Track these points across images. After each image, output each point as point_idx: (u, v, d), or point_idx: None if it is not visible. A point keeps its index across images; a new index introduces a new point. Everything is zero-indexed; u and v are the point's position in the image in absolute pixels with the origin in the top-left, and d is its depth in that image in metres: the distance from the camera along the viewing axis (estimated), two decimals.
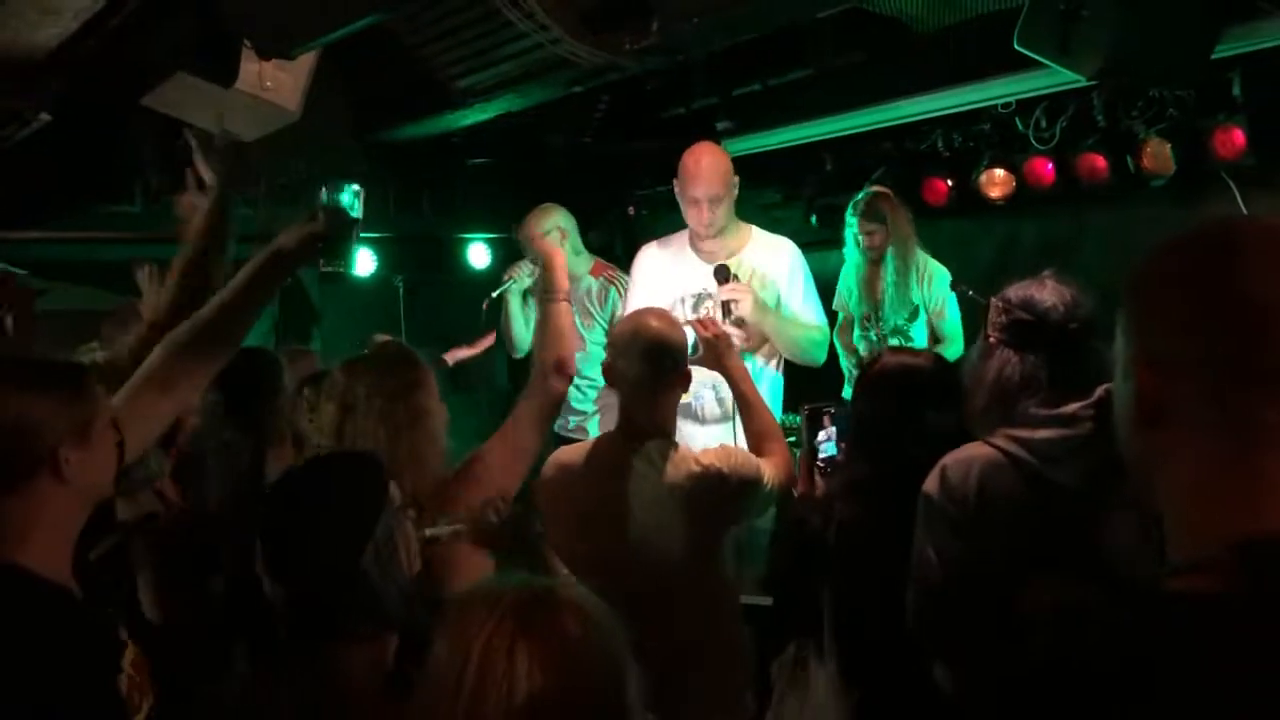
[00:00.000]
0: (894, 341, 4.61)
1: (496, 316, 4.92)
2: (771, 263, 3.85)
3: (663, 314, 2.77)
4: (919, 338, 4.63)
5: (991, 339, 2.16)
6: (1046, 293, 2.10)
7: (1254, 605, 0.83)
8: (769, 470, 2.71)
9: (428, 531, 2.09)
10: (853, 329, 4.84)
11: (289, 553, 1.72)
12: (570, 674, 1.12)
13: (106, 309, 6.36)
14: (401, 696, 1.58)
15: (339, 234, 2.10)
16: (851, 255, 4.78)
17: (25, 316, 3.60)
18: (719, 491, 2.60)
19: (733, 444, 3.01)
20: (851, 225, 4.69)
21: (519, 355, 4.95)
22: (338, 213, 2.11)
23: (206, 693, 1.98)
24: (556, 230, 4.69)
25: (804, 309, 3.84)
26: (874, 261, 4.67)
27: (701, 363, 2.95)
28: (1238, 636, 0.82)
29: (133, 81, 2.98)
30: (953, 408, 2.36)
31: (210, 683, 2.03)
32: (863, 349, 4.74)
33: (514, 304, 4.84)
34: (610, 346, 2.72)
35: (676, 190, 3.93)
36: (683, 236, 4.02)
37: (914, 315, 4.61)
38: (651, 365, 2.61)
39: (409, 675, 1.79)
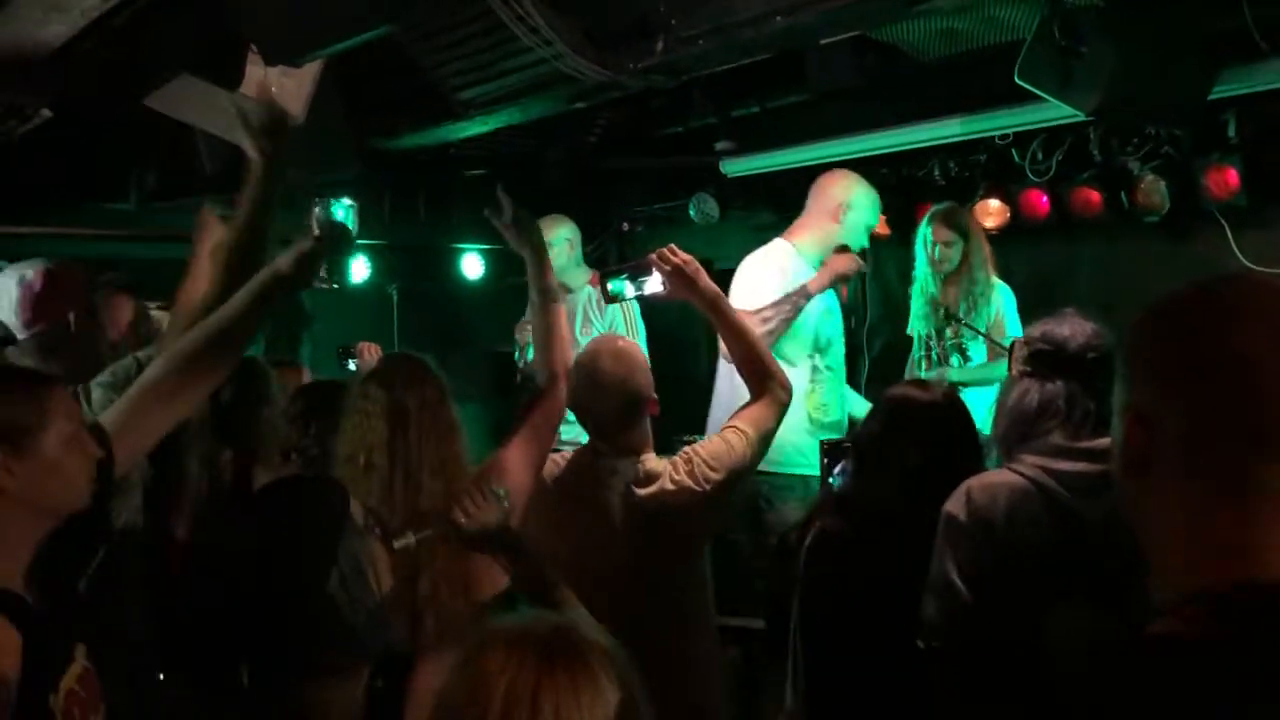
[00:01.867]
0: (955, 360, 4.48)
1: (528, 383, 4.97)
2: None
3: (616, 351, 2.66)
4: (977, 356, 4.50)
5: (1014, 372, 2.23)
6: (1065, 326, 2.18)
7: (1225, 650, 0.85)
8: (751, 432, 2.66)
9: (396, 543, 2.08)
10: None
11: (249, 585, 1.68)
12: (593, 717, 1.12)
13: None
14: None
15: (337, 251, 2.08)
16: (922, 272, 4.56)
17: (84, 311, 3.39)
18: (695, 504, 2.58)
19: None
20: (926, 236, 4.49)
21: None
22: (334, 229, 2.09)
23: None
24: (566, 241, 4.87)
25: None
26: (944, 278, 4.48)
27: (672, 296, 2.80)
28: (1208, 680, 0.84)
29: (136, 81, 2.97)
30: (939, 434, 2.41)
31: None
32: (921, 370, 4.55)
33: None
34: (570, 389, 2.61)
35: (857, 216, 4.13)
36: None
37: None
38: (615, 406, 2.59)
39: (388, 707, 1.77)
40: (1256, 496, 0.91)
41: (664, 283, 2.77)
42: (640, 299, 2.92)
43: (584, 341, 4.74)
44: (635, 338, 4.73)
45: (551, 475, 2.68)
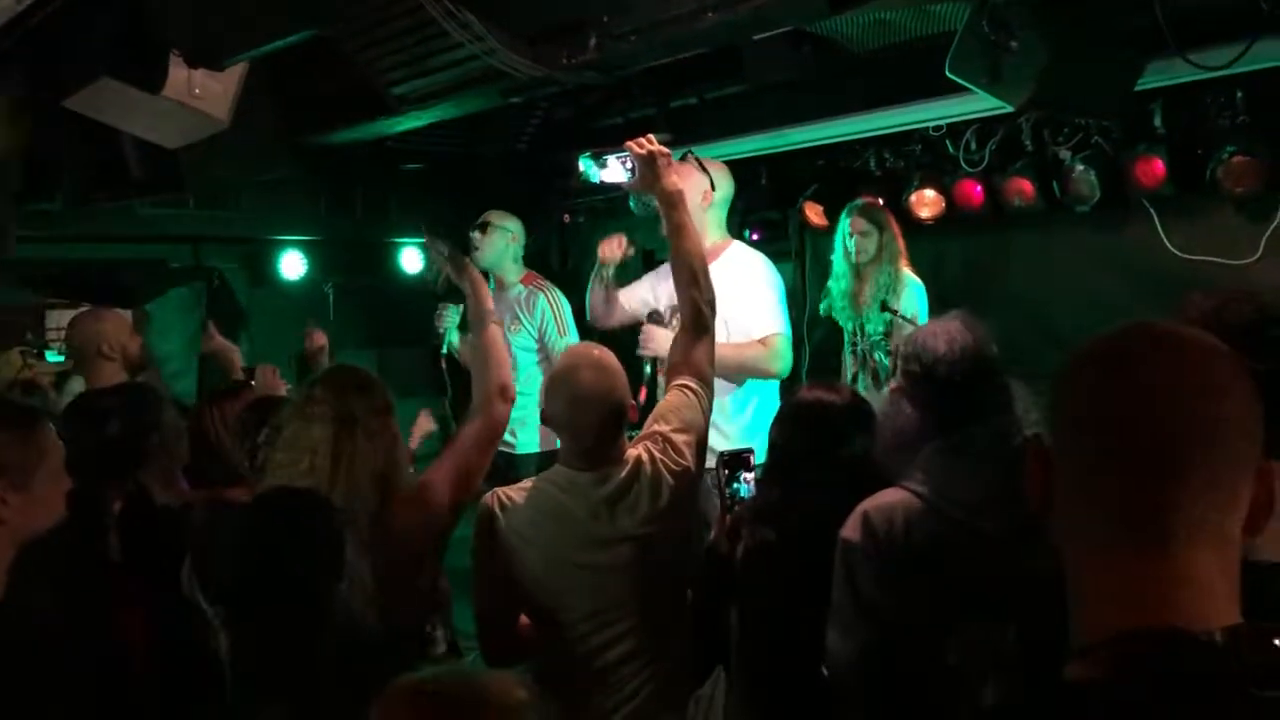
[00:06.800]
0: (879, 356, 4.48)
1: (456, 367, 4.82)
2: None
3: (595, 363, 2.46)
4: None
5: (893, 385, 2.22)
6: (940, 341, 2.11)
7: (1124, 695, 0.88)
8: (696, 385, 2.61)
9: None
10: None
11: (261, 607, 1.71)
12: None
13: (24, 304, 6.23)
14: None
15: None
16: (839, 267, 4.63)
17: None
18: (690, 483, 2.50)
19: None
20: (844, 227, 4.55)
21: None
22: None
23: None
24: (509, 233, 4.84)
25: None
26: (859, 273, 4.54)
27: (635, 186, 2.86)
28: None
29: (55, 84, 2.90)
30: (861, 441, 2.39)
31: None
32: (850, 364, 4.61)
33: (462, 346, 4.76)
34: (545, 394, 2.49)
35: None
36: None
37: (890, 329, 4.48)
38: (599, 420, 2.40)
39: None
40: (1147, 540, 0.92)
41: (632, 170, 2.85)
42: (603, 185, 3.01)
43: (512, 339, 4.68)
44: (566, 335, 4.69)
45: (525, 503, 2.46)
